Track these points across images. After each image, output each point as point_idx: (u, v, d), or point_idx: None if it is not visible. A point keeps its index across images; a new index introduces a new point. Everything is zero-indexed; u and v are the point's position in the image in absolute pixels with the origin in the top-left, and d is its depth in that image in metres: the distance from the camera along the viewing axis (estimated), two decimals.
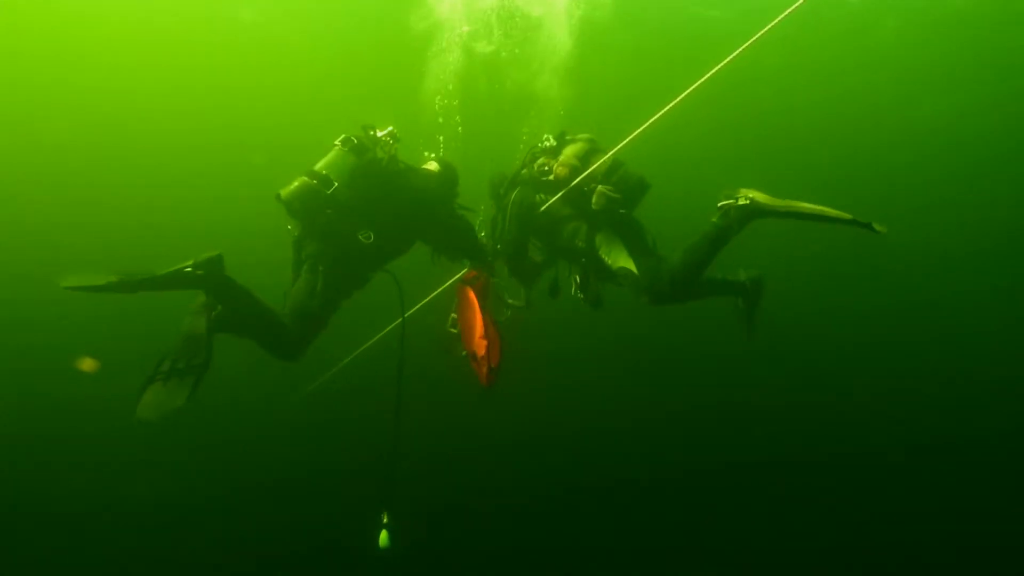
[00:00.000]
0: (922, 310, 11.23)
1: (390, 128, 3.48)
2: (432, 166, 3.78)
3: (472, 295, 3.44)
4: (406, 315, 3.62)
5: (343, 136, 3.39)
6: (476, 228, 3.90)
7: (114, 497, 6.40)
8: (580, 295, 3.76)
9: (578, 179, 3.53)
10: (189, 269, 2.74)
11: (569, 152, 3.65)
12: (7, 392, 7.30)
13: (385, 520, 3.12)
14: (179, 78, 10.43)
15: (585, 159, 3.59)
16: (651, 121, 3.27)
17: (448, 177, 3.77)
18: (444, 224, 3.64)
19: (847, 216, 2.95)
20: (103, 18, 9.78)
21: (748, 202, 3.13)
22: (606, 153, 3.53)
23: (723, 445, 7.94)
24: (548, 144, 3.76)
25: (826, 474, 7.56)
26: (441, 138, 5.02)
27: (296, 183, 3.21)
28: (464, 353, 3.42)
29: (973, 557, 6.30)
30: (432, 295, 4.15)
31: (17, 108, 9.65)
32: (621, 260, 3.42)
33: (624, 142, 3.44)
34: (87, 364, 7.16)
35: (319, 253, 3.23)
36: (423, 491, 4.88)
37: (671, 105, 3.19)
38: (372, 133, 3.43)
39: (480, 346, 3.17)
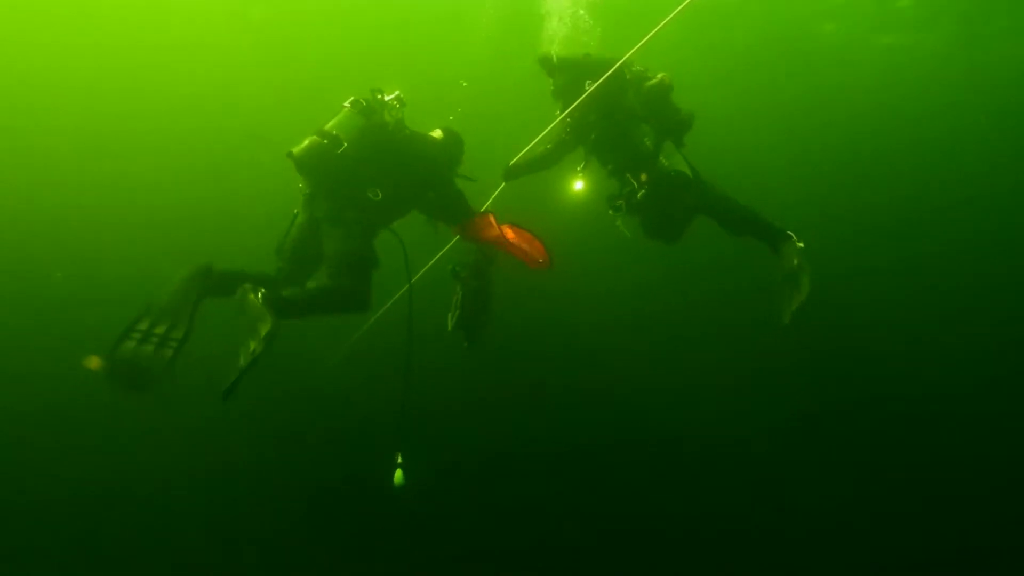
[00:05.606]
0: None
1: (397, 92, 3.69)
2: (436, 133, 3.99)
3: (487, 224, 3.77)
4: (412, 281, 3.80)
5: (352, 98, 3.57)
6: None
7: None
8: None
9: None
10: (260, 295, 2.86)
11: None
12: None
13: (400, 460, 3.20)
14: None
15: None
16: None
17: (452, 143, 3.98)
18: (442, 188, 3.83)
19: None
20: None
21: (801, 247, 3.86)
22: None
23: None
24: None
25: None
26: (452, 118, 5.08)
27: (307, 142, 3.37)
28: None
29: None
30: (435, 258, 4.38)
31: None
32: (680, 167, 4.02)
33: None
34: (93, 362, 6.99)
35: (335, 208, 3.39)
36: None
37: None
38: (380, 97, 3.62)
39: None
